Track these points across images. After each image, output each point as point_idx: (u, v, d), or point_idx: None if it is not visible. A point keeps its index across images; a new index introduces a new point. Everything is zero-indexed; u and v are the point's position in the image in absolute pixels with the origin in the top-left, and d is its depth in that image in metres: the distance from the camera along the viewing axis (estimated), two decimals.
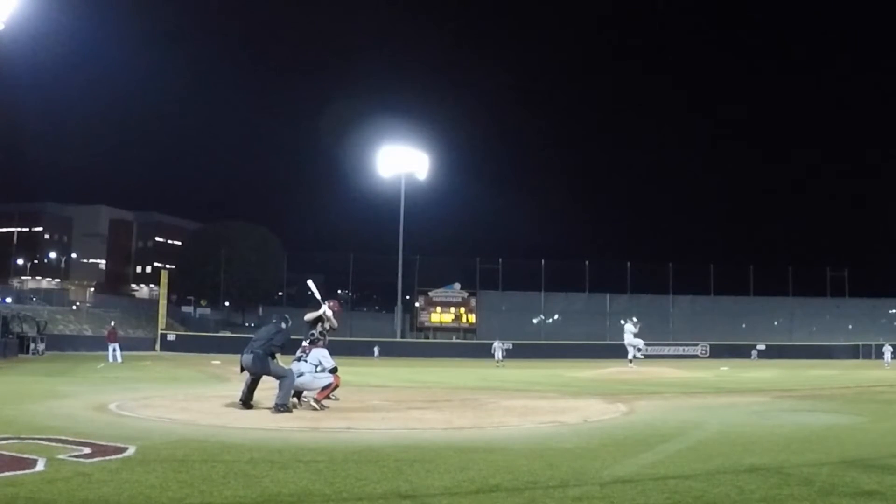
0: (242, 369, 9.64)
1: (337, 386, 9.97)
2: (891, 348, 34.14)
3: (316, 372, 9.75)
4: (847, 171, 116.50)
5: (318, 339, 10.42)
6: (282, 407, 9.04)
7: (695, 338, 52.59)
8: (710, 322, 55.68)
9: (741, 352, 48.09)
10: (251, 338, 10.00)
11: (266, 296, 66.77)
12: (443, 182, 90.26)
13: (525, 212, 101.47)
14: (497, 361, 36.29)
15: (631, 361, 25.53)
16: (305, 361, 9.85)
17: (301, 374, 9.69)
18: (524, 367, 30.28)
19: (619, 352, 33.52)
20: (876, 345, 47.55)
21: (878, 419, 9.40)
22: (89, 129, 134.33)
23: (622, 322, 27.44)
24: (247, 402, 9.57)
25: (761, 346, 49.83)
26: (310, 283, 11.97)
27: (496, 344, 38.35)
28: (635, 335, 26.09)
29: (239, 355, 9.73)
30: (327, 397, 9.83)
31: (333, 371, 9.88)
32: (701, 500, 4.47)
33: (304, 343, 10.38)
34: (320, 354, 10.00)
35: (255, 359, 9.39)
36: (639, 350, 26.26)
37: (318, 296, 11.47)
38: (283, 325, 9.86)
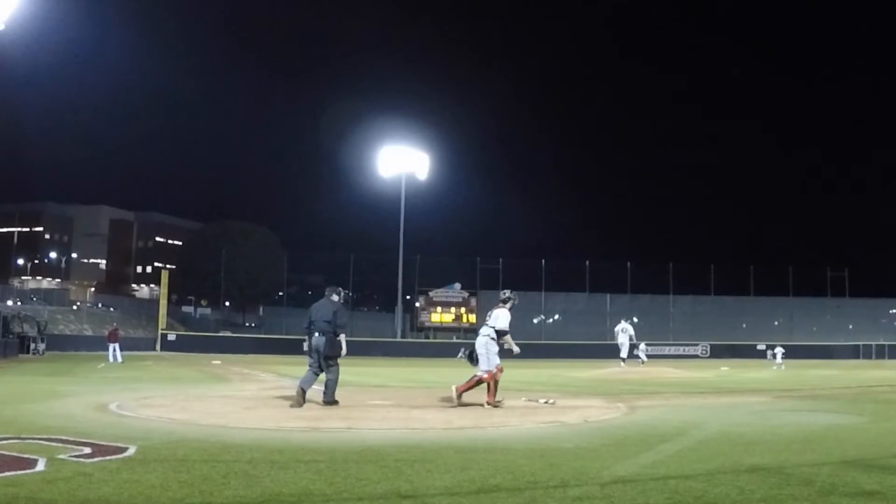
0: (309, 351, 9.63)
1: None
2: (782, 350, 33.74)
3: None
4: (847, 171, 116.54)
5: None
6: (332, 403, 9.48)
7: (695, 338, 52.51)
8: (710, 322, 55.57)
9: (746, 352, 47.89)
10: (312, 320, 9.67)
11: (266, 296, 66.80)
12: (443, 182, 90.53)
13: (526, 212, 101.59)
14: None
15: (624, 361, 25.34)
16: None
17: None
18: (524, 367, 30.21)
19: (618, 351, 33.46)
20: (876, 345, 47.55)
21: (879, 419, 9.39)
22: (89, 129, 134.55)
23: (625, 323, 27.03)
24: (303, 396, 9.47)
25: (761, 346, 49.74)
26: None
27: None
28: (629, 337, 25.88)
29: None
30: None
31: None
32: (701, 500, 4.47)
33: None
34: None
35: (328, 341, 9.47)
36: (623, 359, 25.49)
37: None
38: (337, 298, 9.94)
